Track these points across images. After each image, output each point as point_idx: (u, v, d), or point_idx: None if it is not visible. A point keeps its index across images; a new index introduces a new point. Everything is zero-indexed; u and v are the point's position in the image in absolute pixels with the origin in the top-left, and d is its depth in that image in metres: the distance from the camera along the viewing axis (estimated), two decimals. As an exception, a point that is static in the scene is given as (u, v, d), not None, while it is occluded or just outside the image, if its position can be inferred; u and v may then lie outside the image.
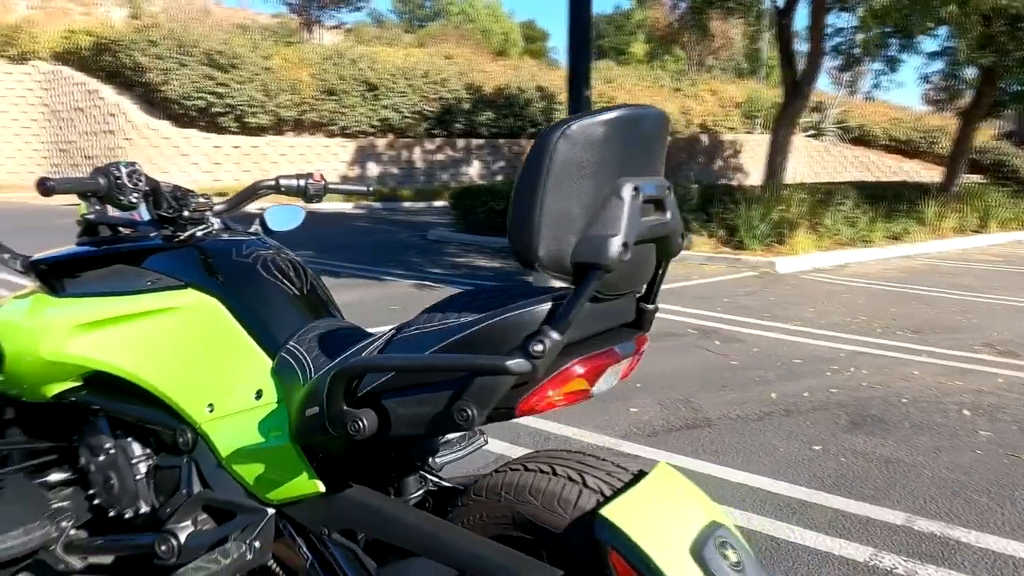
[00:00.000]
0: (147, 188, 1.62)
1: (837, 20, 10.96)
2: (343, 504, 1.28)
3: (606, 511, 0.99)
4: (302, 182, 1.91)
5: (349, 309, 5.66)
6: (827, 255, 8.07)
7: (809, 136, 22.40)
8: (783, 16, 10.12)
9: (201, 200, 1.68)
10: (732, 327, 4.93)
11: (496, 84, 18.69)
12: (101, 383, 1.52)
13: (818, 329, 4.90)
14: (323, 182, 1.95)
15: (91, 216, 1.71)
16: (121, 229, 1.69)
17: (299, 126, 16.79)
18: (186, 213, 1.63)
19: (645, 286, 1.21)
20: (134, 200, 1.59)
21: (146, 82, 15.29)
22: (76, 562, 1.63)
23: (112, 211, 1.68)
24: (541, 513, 1.10)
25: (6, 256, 1.63)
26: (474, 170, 18.24)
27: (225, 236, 1.67)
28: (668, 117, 1.12)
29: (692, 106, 22.25)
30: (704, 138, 21.58)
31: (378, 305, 5.38)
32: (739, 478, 2.54)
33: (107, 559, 1.75)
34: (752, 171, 20.40)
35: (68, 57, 16.23)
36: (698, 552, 0.95)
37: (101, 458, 1.55)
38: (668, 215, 1.07)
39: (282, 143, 16.29)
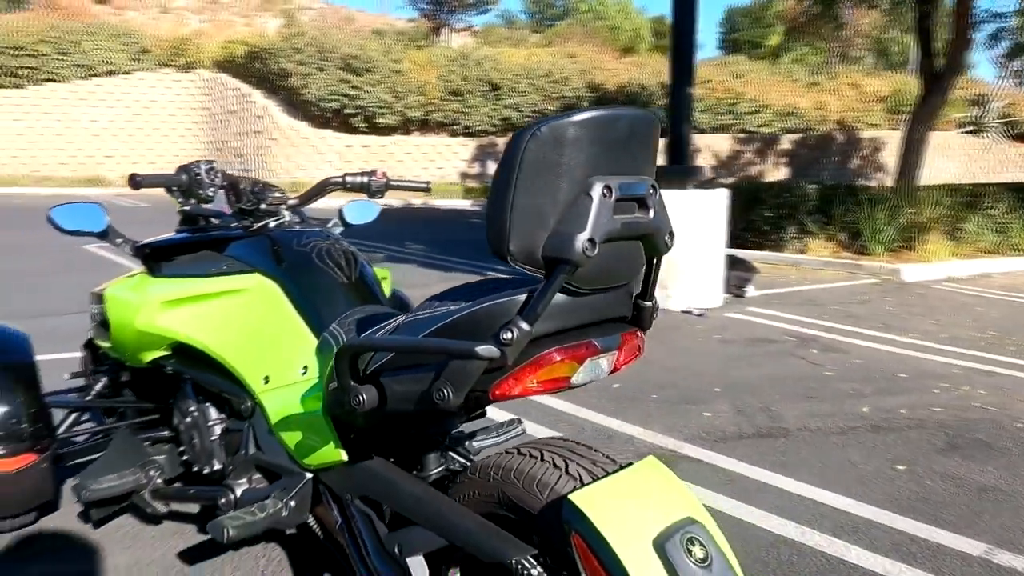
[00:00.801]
0: (224, 183, 1.84)
1: (992, 4, 9.87)
2: (363, 473, 1.40)
3: (574, 496, 1.02)
4: (365, 179, 2.07)
5: None
6: (966, 263, 7.34)
7: (966, 132, 20.29)
8: (923, 1, 9.28)
9: (277, 195, 1.88)
10: (835, 336, 4.64)
11: (618, 82, 18.52)
12: (186, 353, 1.74)
13: (936, 343, 4.51)
14: (385, 179, 2.10)
15: (187, 208, 1.97)
16: (212, 220, 1.94)
17: (424, 126, 17.54)
18: (263, 206, 1.84)
19: (641, 283, 1.24)
20: (211, 194, 1.81)
21: (289, 86, 16.60)
22: (160, 507, 1.88)
23: (206, 204, 1.93)
24: (522, 494, 1.16)
25: (119, 241, 1.91)
26: (592, 168, 18.21)
27: (297, 228, 1.86)
28: (653, 118, 1.13)
29: (828, 101, 20.86)
30: (839, 135, 20.16)
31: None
32: (801, 490, 2.43)
33: (184, 507, 2.01)
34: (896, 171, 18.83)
35: (226, 65, 17.96)
36: (661, 544, 0.96)
37: (187, 419, 1.79)
38: (651, 214, 1.10)
39: (408, 142, 17.11)
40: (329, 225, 2.32)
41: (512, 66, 17.94)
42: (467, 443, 1.86)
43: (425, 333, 1.16)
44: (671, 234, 1.14)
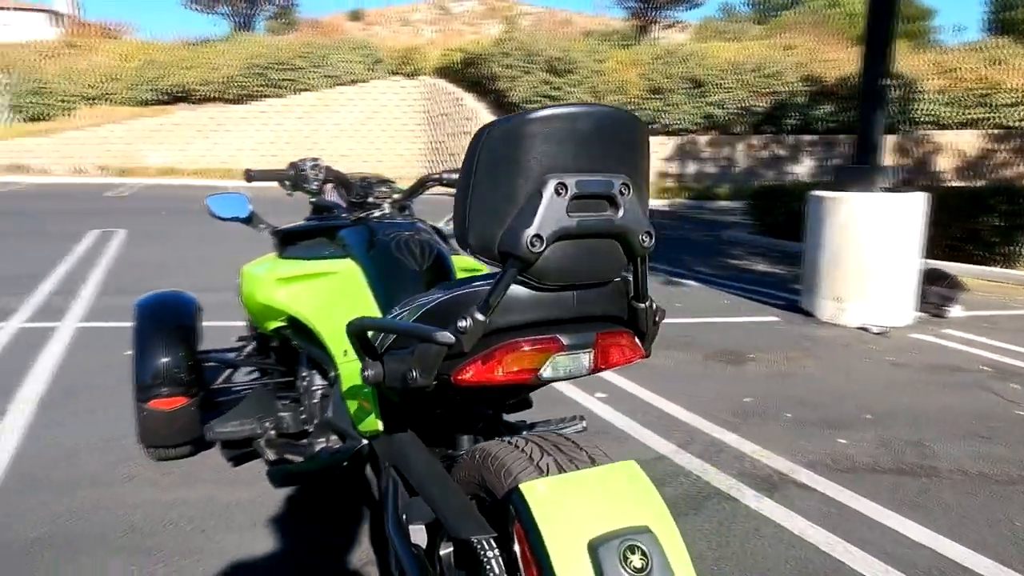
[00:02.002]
0: (328, 178, 2.09)
1: None
2: (394, 443, 1.55)
3: (524, 486, 1.05)
4: (456, 175, 2.20)
5: None
6: None
7: None
8: None
9: (383, 189, 2.09)
10: (1050, 371, 3.88)
11: (839, 74, 16.85)
12: (297, 325, 2.03)
13: None
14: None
15: (315, 200, 2.28)
16: (334, 211, 2.22)
17: (622, 125, 17.49)
18: (370, 199, 2.06)
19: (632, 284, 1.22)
20: (315, 187, 2.07)
21: (496, 89, 17.54)
22: (271, 455, 2.19)
23: (331, 196, 2.21)
24: (493, 480, 1.22)
25: (261, 226, 2.26)
26: (803, 168, 16.79)
27: (397, 220, 2.05)
28: (625, 115, 1.11)
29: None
30: None
31: (631, 299, 5.51)
32: (925, 538, 2.13)
33: (291, 457, 2.32)
34: None
35: (445, 71, 19.46)
36: (596, 547, 0.96)
37: (303, 383, 2.08)
38: (620, 212, 1.08)
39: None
40: (444, 221, 2.52)
41: (719, 61, 17.15)
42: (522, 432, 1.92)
43: (414, 317, 1.26)
44: (648, 234, 1.12)
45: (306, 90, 20.13)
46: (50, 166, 18.32)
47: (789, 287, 5.93)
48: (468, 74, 18.50)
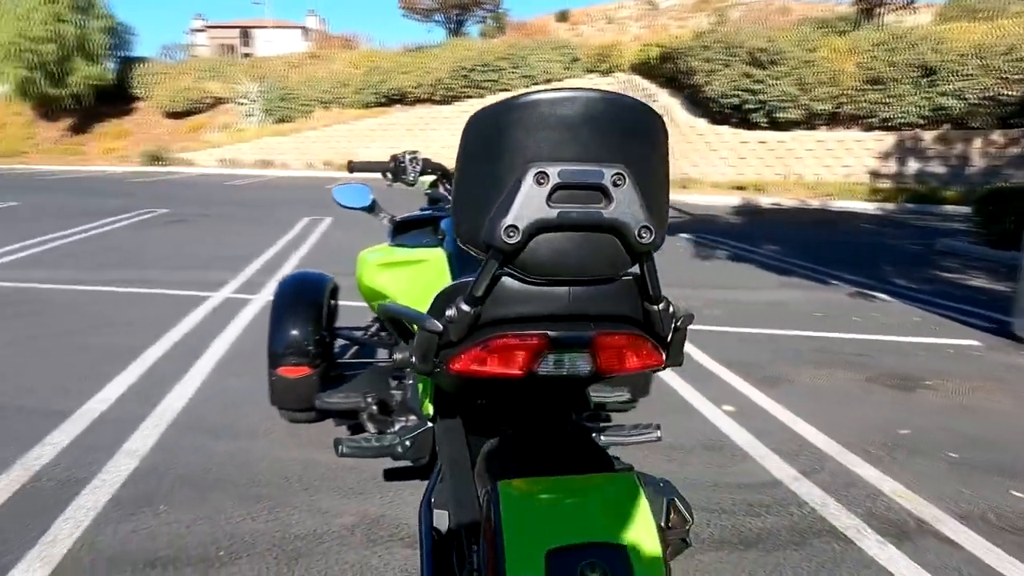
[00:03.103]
0: (427, 170, 2.19)
1: None
2: (440, 429, 1.61)
3: (502, 484, 1.04)
4: None
5: (771, 309, 5.72)
6: None
7: None
8: None
9: None
10: None
11: None
12: None
13: None
14: None
15: (430, 192, 2.42)
16: (444, 203, 2.34)
17: (833, 119, 15.92)
18: None
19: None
20: (412, 179, 2.19)
21: (692, 84, 16.90)
22: (371, 429, 2.37)
23: (410, 187, 2.33)
24: (485, 474, 1.22)
25: (381, 215, 2.44)
26: (1063, 169, 14.03)
27: None
28: (623, 100, 1.03)
29: None
30: None
31: (801, 309, 5.05)
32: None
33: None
34: None
35: (641, 67, 19.18)
36: (553, 557, 0.92)
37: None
38: (612, 205, 1.02)
39: (810, 138, 15.77)
40: None
41: (960, 45, 14.85)
42: (596, 435, 1.88)
43: (429, 305, 1.29)
44: (647, 228, 1.03)
45: (504, 90, 21.00)
46: (290, 161, 21.11)
47: (1002, 307, 5.03)
48: (664, 70, 18.05)
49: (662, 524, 1.40)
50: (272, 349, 2.53)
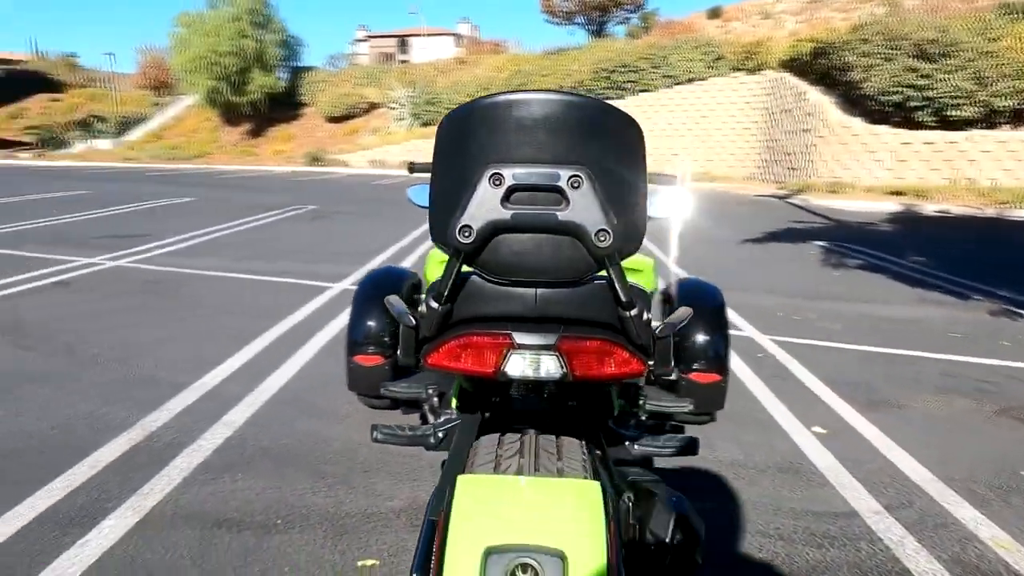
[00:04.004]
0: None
1: None
2: (460, 422, 1.66)
3: (461, 477, 1.07)
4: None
5: (900, 326, 5.36)
6: None
7: None
8: None
9: None
10: None
11: None
12: None
13: None
14: None
15: None
16: None
17: (1017, 118, 14.04)
18: None
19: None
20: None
21: (847, 80, 15.63)
22: (431, 419, 2.47)
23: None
24: (470, 469, 1.25)
25: None
26: None
27: None
28: (587, 101, 1.01)
29: None
30: None
31: (936, 328, 4.54)
32: None
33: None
34: None
35: (791, 64, 18.05)
36: (489, 555, 0.92)
37: None
38: (568, 207, 1.01)
39: (988, 138, 14.00)
40: None
41: None
42: (630, 444, 1.85)
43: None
44: (605, 232, 1.01)
45: (644, 91, 20.65)
46: (431, 163, 22.13)
47: None
48: (816, 66, 16.85)
49: (666, 540, 1.36)
50: (351, 338, 2.70)
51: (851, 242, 8.48)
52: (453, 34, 44.04)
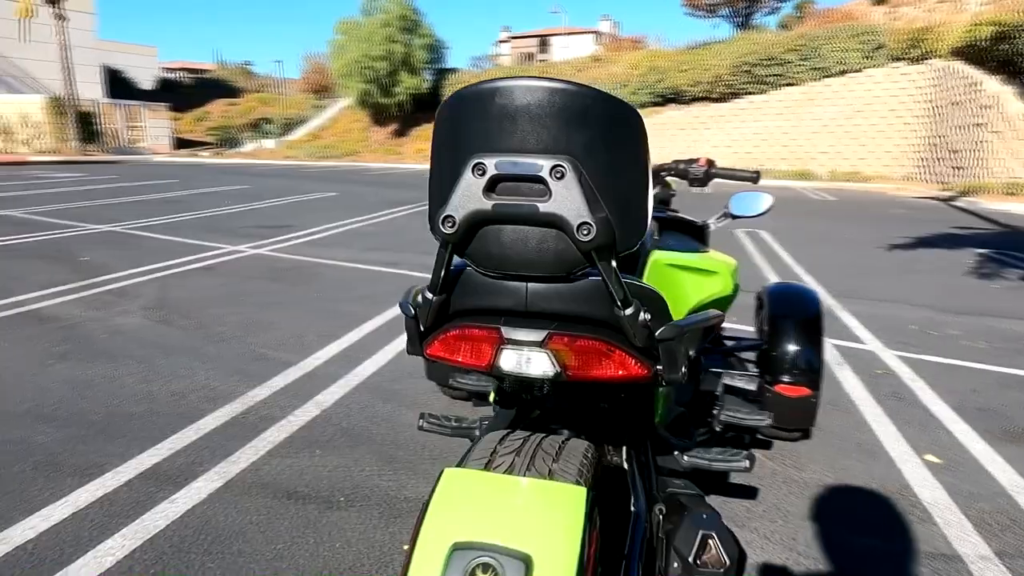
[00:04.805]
0: None
1: None
2: (496, 416, 1.66)
3: (447, 470, 1.06)
4: (683, 165, 2.07)
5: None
6: None
7: None
8: None
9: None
10: None
11: None
12: None
13: None
14: (705, 167, 2.04)
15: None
16: None
17: None
18: None
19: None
20: None
21: (1034, 68, 13.76)
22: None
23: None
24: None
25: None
26: None
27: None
28: (574, 88, 0.97)
29: None
30: None
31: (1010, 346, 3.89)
32: None
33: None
34: None
35: (964, 51, 16.18)
36: (454, 552, 0.91)
37: None
38: (551, 199, 0.97)
39: None
40: (713, 218, 2.38)
41: None
42: (679, 453, 1.76)
43: None
44: (588, 225, 0.95)
45: (790, 84, 19.42)
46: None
47: None
48: (996, 52, 14.98)
49: (688, 559, 1.28)
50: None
51: (1021, 251, 7.47)
52: (594, 32, 43.84)
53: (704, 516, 1.43)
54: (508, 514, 0.97)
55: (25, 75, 28.95)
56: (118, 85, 34.52)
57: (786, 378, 2.30)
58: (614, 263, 1.02)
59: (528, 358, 1.10)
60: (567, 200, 0.96)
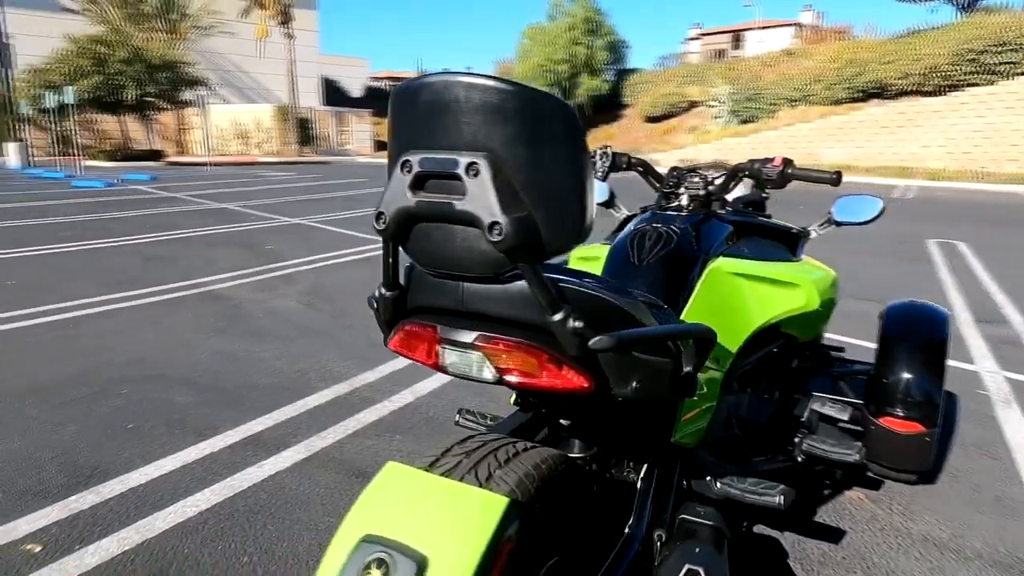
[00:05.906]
0: (620, 165, 2.13)
1: None
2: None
3: (389, 463, 1.08)
4: (757, 165, 1.90)
5: None
6: None
7: None
8: None
9: (696, 180, 2.02)
10: None
11: None
12: None
13: None
14: (780, 167, 1.85)
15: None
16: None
17: None
18: (680, 190, 2.03)
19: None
20: (602, 175, 2.15)
21: None
22: None
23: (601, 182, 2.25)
24: None
25: (620, 212, 2.47)
26: None
27: (682, 212, 1.95)
28: (495, 84, 0.94)
29: None
30: None
31: None
32: None
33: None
34: None
35: None
36: (360, 545, 0.92)
37: None
38: (467, 196, 0.95)
39: None
40: (815, 225, 2.17)
41: None
42: (712, 479, 1.63)
43: None
44: (497, 224, 0.92)
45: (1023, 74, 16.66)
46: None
47: None
48: None
49: None
50: None
51: None
52: (793, 24, 40.85)
53: (697, 550, 1.32)
54: (419, 513, 0.98)
55: (259, 87, 33.43)
56: (333, 94, 38.59)
57: (895, 410, 2.01)
58: (541, 265, 0.98)
59: (465, 359, 1.09)
60: (481, 198, 0.94)
